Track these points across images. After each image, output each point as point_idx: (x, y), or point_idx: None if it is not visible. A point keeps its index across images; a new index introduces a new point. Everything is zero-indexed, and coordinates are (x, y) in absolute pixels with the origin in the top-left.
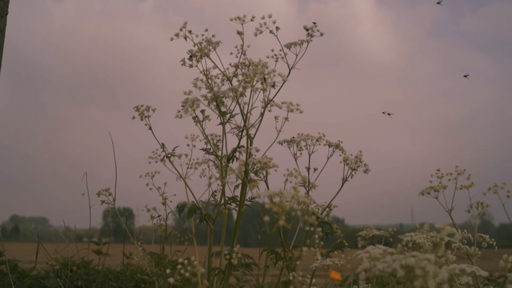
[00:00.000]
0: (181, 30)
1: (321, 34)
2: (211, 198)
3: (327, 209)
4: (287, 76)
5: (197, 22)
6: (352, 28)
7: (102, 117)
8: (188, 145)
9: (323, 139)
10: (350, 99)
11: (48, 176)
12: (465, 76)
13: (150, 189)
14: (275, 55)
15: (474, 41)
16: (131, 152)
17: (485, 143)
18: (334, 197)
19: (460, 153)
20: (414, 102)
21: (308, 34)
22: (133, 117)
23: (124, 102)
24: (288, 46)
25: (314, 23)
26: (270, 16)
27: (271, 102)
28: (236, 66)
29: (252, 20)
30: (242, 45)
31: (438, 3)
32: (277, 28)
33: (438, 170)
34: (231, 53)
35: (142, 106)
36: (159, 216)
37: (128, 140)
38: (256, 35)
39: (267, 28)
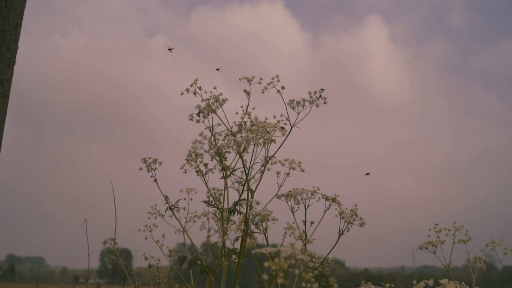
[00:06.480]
0: (191, 86)
1: (325, 102)
2: (211, 249)
3: (324, 262)
4: (288, 134)
5: (209, 60)
6: (365, 65)
7: (105, 155)
8: (184, 198)
9: (318, 193)
10: (362, 137)
11: (46, 215)
12: (169, 49)
13: (146, 235)
14: (274, 116)
15: (483, 80)
16: (131, 188)
17: (492, 184)
18: (331, 250)
19: (466, 195)
20: (425, 141)
21: (311, 97)
22: (140, 169)
23: (126, 141)
24: (292, 106)
25: (322, 89)
26: (277, 76)
27: (272, 158)
28: (240, 125)
29: (259, 82)
30: (248, 105)
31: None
32: (283, 88)
33: (436, 224)
34: (237, 113)
35: (149, 158)
36: (158, 259)
37: (129, 177)
38: (263, 92)
39: (274, 87)
